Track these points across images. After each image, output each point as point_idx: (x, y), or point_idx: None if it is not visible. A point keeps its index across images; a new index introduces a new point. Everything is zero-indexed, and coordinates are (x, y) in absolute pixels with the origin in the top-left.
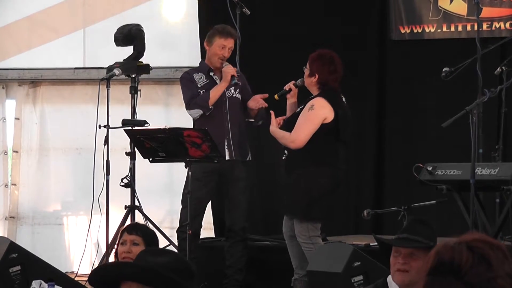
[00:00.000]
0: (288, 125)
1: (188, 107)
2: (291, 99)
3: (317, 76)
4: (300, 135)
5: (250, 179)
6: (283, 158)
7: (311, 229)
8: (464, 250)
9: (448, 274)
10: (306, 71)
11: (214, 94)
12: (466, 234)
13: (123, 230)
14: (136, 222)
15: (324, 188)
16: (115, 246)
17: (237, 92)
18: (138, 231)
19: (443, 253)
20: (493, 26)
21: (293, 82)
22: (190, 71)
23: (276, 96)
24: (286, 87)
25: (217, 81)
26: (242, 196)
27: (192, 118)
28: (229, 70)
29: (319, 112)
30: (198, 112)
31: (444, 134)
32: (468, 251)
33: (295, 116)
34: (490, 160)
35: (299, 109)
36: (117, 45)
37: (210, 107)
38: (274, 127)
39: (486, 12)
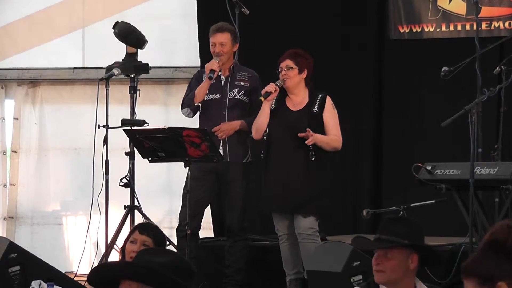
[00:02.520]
0: (312, 124)
1: (181, 107)
2: (270, 101)
3: (306, 71)
4: (340, 134)
5: (247, 180)
6: (312, 159)
7: (316, 224)
8: None
9: (500, 254)
10: (293, 70)
11: (198, 91)
12: None
13: (134, 228)
14: (149, 222)
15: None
16: (118, 244)
17: (240, 94)
18: (150, 232)
19: (499, 233)
20: (492, 25)
21: (273, 83)
22: (201, 70)
23: (262, 98)
24: (272, 89)
25: (223, 80)
26: (238, 197)
27: (192, 118)
28: (208, 64)
29: (335, 109)
30: (187, 111)
31: (443, 134)
32: None
33: (315, 115)
34: (489, 159)
35: (315, 109)
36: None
37: (196, 105)
38: (317, 136)
39: (485, 11)
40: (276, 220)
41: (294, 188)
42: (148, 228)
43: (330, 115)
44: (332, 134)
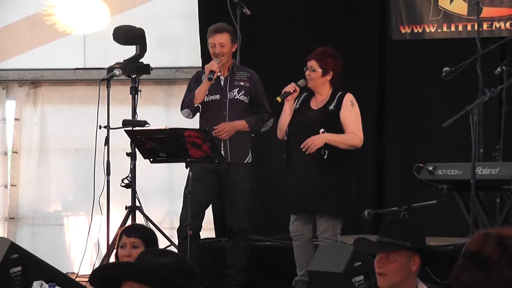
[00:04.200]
0: (324, 122)
1: (181, 108)
2: (291, 101)
3: (331, 73)
4: (360, 131)
5: (248, 180)
6: (324, 157)
7: (338, 226)
8: (493, 244)
9: (476, 263)
10: (317, 72)
11: (198, 92)
12: (508, 227)
13: (121, 232)
14: (134, 223)
15: (357, 185)
16: (115, 248)
17: (240, 94)
18: (137, 233)
19: (475, 242)
20: (493, 26)
21: (293, 83)
22: (200, 71)
23: (278, 99)
24: (290, 89)
25: (222, 81)
26: (239, 197)
27: (193, 119)
28: (208, 65)
29: (357, 107)
30: (187, 112)
31: (444, 134)
32: (497, 246)
33: (330, 113)
34: (490, 159)
35: (332, 107)
36: (115, 39)
37: (196, 106)
38: (326, 136)
39: (486, 12)
40: (291, 220)
41: (307, 188)
42: (135, 229)
43: (347, 112)
44: (349, 132)
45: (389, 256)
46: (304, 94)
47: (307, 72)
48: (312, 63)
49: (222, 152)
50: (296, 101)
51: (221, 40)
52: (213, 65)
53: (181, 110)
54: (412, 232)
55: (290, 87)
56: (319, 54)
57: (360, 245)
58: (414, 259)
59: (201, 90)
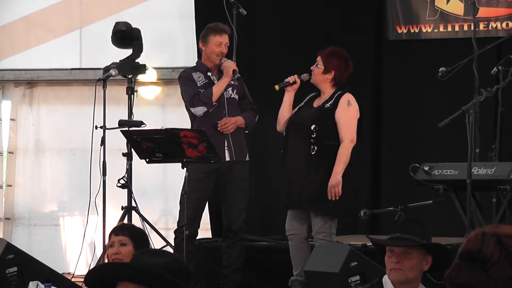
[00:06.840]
0: (316, 119)
1: (192, 105)
2: (291, 92)
3: (333, 72)
4: (353, 132)
5: (249, 179)
6: (312, 153)
7: (333, 226)
8: (492, 244)
9: (475, 263)
10: (319, 68)
11: (217, 90)
12: (503, 226)
13: (110, 233)
14: (123, 223)
15: (353, 185)
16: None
17: (234, 92)
18: (124, 231)
19: (473, 242)
20: (490, 26)
21: (296, 75)
22: (188, 70)
23: (276, 87)
24: (290, 79)
25: (215, 81)
26: (240, 196)
27: (189, 119)
28: (230, 64)
29: (355, 107)
30: (202, 110)
31: (440, 134)
32: (496, 245)
33: (324, 111)
34: (486, 159)
35: (327, 105)
36: (114, 43)
37: (214, 104)
38: (337, 171)
39: (483, 12)
40: (287, 219)
41: (297, 185)
42: (123, 228)
43: (342, 112)
44: (342, 136)
45: (407, 253)
46: (313, 94)
47: (312, 66)
48: (318, 59)
49: (227, 151)
50: (304, 100)
51: (226, 40)
52: (233, 64)
53: (194, 107)
54: (427, 231)
55: (291, 78)
56: (327, 51)
57: (375, 239)
58: (427, 259)
59: (221, 88)
